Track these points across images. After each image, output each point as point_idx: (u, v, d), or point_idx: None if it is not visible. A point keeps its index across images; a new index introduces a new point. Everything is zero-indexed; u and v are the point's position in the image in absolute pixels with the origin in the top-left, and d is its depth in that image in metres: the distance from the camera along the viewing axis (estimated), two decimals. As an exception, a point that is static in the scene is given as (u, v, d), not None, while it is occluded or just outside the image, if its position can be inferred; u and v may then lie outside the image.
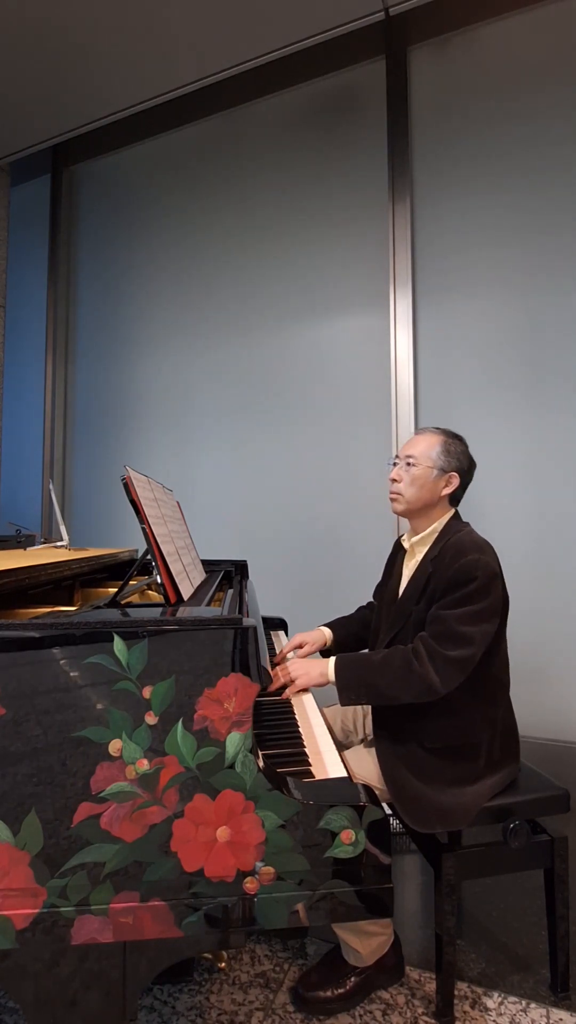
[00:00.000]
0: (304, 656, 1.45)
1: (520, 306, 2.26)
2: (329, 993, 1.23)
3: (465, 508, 1.39)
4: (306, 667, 1.29)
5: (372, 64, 2.58)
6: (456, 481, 1.34)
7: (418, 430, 1.41)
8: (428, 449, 1.34)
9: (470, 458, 1.38)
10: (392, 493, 1.37)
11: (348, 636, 1.53)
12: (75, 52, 2.54)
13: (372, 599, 1.61)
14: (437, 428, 1.39)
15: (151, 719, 0.81)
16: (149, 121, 3.04)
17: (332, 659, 1.26)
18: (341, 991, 1.23)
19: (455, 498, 1.37)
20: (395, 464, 1.39)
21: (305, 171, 2.71)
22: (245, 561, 2.18)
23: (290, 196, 2.74)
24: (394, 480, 1.36)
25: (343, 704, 1.23)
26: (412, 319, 2.41)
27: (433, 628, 1.20)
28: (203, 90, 2.82)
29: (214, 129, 2.96)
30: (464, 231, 2.37)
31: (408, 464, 1.34)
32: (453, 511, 1.38)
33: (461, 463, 1.35)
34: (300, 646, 1.46)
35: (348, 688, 1.21)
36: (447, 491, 1.34)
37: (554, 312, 2.20)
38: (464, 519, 1.37)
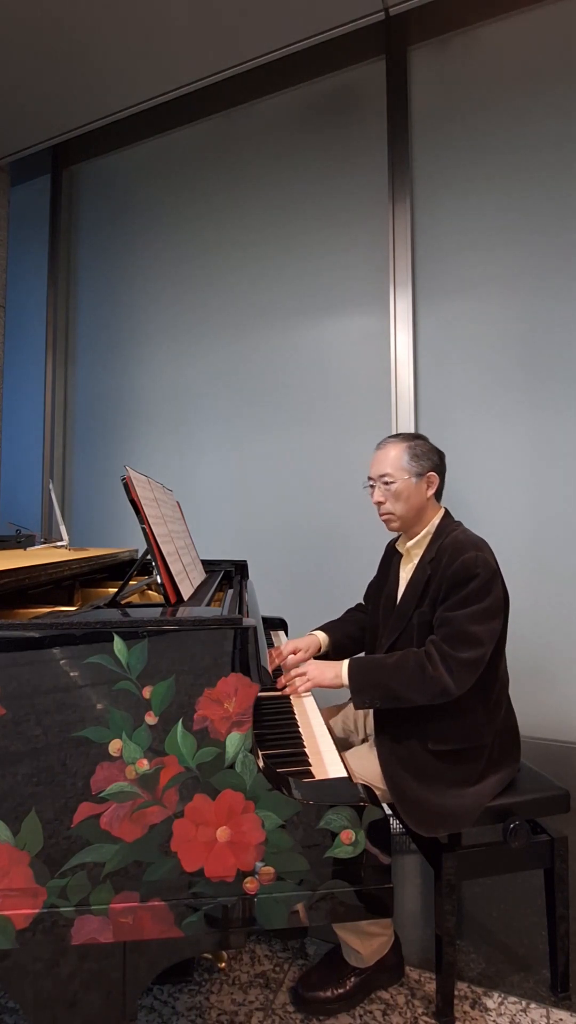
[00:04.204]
0: (299, 662, 1.40)
1: (520, 306, 2.26)
2: (329, 993, 1.23)
3: (464, 508, 1.39)
4: (320, 667, 1.28)
5: (372, 64, 2.58)
6: (436, 479, 1.35)
7: (377, 445, 1.39)
8: (397, 461, 1.34)
9: (438, 451, 1.38)
10: (384, 515, 1.37)
11: (344, 637, 1.52)
12: (75, 52, 2.54)
13: (363, 601, 1.61)
14: (394, 437, 1.39)
15: (151, 719, 0.81)
16: (149, 121, 3.04)
17: (345, 662, 1.25)
18: (341, 991, 1.23)
19: (438, 493, 1.38)
20: (372, 487, 1.38)
21: (305, 171, 2.71)
22: (245, 561, 2.18)
23: (290, 196, 2.74)
24: (380, 503, 1.36)
25: (357, 707, 1.22)
26: (412, 319, 2.41)
27: (443, 631, 1.19)
28: (203, 90, 2.82)
29: (214, 129, 2.96)
30: (464, 231, 2.37)
31: (385, 484, 1.34)
32: (443, 510, 1.38)
33: (432, 460, 1.35)
34: (294, 652, 1.41)
35: (362, 691, 1.20)
36: (431, 491, 1.35)
37: (554, 312, 2.20)
38: (462, 519, 1.37)
